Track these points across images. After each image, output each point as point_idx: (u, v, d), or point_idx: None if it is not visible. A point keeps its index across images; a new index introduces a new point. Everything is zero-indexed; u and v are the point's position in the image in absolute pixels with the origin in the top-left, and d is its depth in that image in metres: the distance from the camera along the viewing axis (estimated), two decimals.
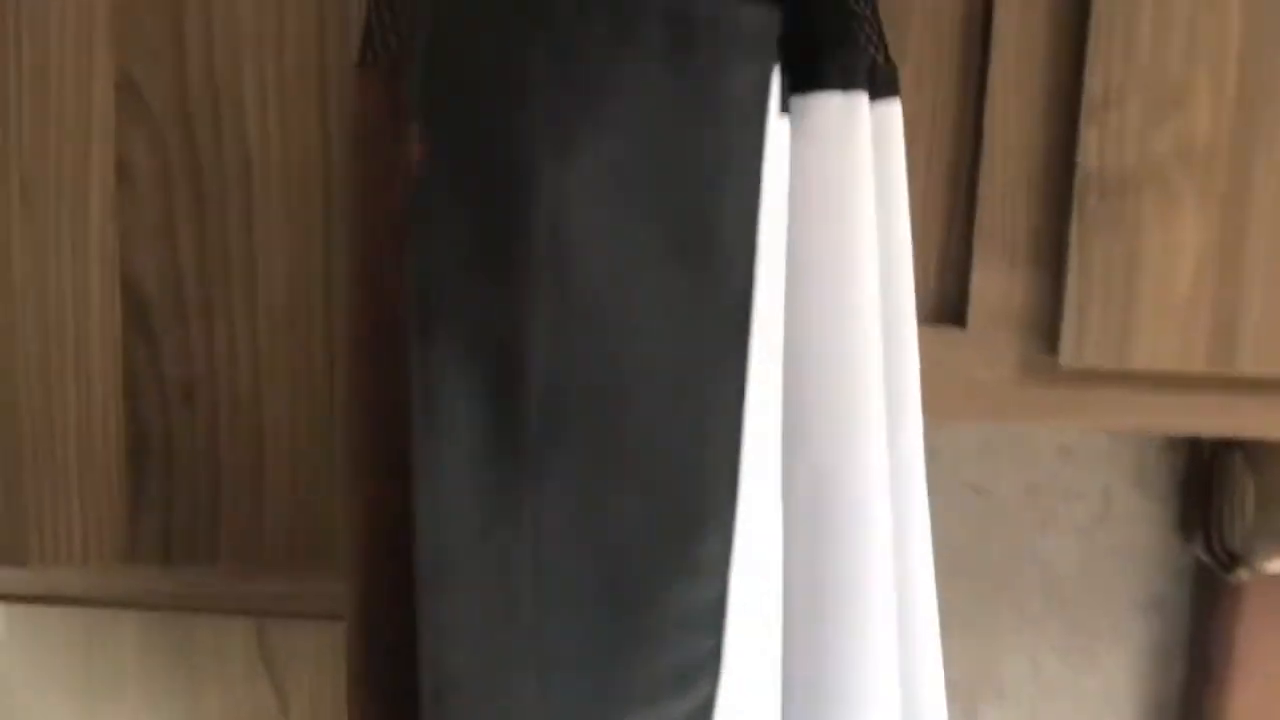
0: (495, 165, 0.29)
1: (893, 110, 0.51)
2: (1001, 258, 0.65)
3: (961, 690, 1.00)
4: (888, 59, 0.52)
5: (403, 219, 0.31)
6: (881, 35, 0.52)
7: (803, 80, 0.44)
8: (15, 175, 0.58)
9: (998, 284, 0.65)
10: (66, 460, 0.61)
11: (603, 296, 0.29)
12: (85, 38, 0.56)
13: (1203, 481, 0.93)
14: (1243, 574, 0.89)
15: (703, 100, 0.29)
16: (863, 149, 0.45)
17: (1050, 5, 0.63)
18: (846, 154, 0.44)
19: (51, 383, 0.60)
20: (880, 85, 0.50)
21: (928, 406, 0.64)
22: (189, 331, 0.60)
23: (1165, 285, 0.62)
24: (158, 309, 0.59)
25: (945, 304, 0.67)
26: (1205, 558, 0.93)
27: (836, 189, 0.44)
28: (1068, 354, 0.64)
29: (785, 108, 0.41)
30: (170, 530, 0.62)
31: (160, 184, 0.58)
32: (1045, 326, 0.65)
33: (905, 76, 0.64)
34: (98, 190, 0.58)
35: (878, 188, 0.49)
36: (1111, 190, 0.62)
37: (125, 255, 0.58)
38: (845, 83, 0.44)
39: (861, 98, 0.45)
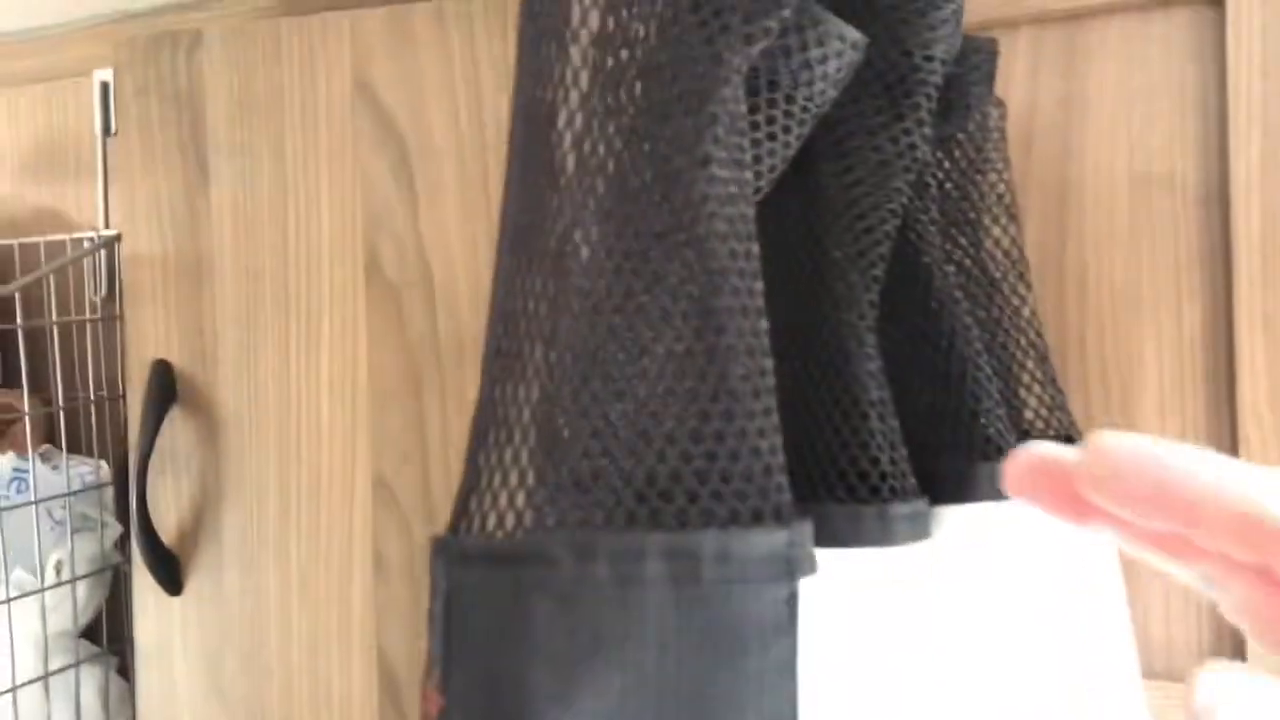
0: (501, 716, 0.30)
1: None
2: None
3: None
4: (1070, 433, 0.50)
5: None
6: (1060, 409, 0.50)
7: (950, 491, 0.42)
8: (295, 566, 0.66)
9: None
10: None
11: None
12: (349, 447, 0.65)
13: None
14: None
15: (714, 632, 0.28)
16: (1030, 553, 0.42)
17: None
18: (1005, 564, 0.42)
19: None
20: None
21: None
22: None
23: None
24: (406, 684, 0.64)
25: (1220, 655, 0.60)
26: None
27: (998, 601, 0.42)
28: None
29: (921, 533, 0.40)
30: None
31: (407, 572, 0.64)
32: None
33: (1147, 405, 0.61)
34: (359, 578, 0.65)
35: (1072, 566, 0.46)
36: None
37: (381, 637, 0.64)
38: (999, 492, 0.42)
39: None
